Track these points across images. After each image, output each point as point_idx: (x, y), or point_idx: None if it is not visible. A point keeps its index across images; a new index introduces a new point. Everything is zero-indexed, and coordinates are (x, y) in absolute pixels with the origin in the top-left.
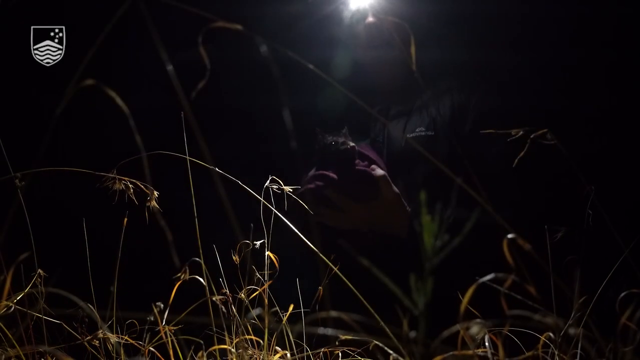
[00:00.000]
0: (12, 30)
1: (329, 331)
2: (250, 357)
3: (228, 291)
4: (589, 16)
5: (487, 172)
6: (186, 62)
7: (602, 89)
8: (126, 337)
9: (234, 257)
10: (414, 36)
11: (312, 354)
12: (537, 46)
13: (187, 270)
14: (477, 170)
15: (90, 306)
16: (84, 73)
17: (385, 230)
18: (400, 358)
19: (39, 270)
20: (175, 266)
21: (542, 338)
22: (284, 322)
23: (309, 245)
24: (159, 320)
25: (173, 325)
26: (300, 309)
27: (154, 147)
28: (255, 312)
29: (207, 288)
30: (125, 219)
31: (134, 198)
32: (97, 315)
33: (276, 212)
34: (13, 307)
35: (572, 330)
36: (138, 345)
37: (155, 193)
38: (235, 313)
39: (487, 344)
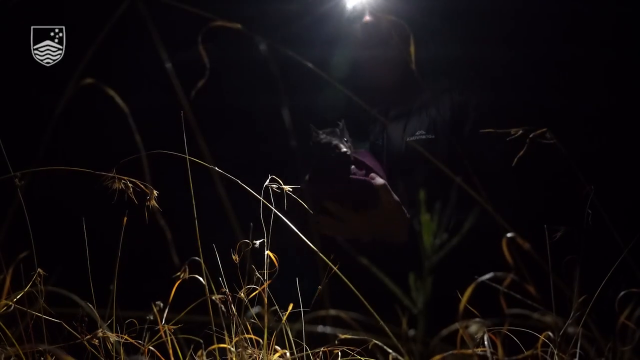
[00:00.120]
0: (12, 30)
1: (328, 329)
2: (250, 356)
3: (227, 290)
4: (585, 13)
5: (487, 173)
6: (186, 61)
7: (601, 87)
8: (126, 337)
9: (233, 257)
10: (411, 34)
11: (311, 353)
12: (536, 43)
13: (187, 270)
14: (477, 172)
15: (90, 305)
16: (84, 72)
17: (385, 237)
18: (399, 357)
19: (39, 270)
20: (175, 265)
21: (542, 337)
22: (283, 321)
23: (308, 244)
24: (159, 320)
25: (173, 325)
26: (300, 308)
27: (153, 147)
28: (254, 310)
29: (206, 287)
30: (125, 218)
31: (133, 197)
32: (97, 315)
33: (276, 211)
34: (13, 306)
35: (571, 329)
36: (138, 345)
37: (155, 192)
38: (235, 312)
39: (486, 343)
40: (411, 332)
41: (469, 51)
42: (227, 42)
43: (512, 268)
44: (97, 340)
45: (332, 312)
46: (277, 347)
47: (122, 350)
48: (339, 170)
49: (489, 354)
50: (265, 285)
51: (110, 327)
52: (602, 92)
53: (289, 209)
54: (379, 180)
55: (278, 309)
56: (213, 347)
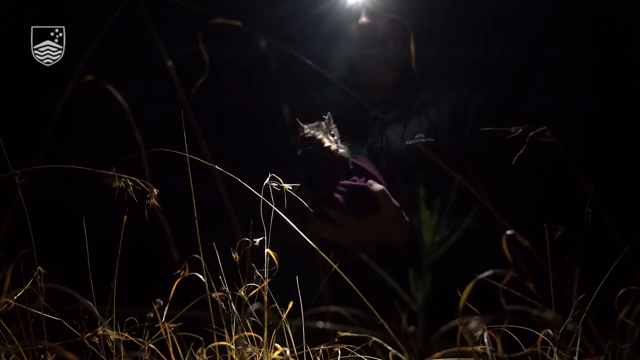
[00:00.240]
0: (12, 30)
1: (328, 325)
2: (250, 354)
3: (227, 289)
4: (585, 13)
5: (487, 175)
6: (185, 59)
7: (601, 86)
8: (126, 334)
9: (233, 255)
10: (411, 33)
11: (311, 351)
12: (535, 43)
13: (187, 267)
14: (477, 174)
15: (90, 303)
16: (84, 70)
17: (384, 241)
18: (399, 354)
19: (39, 268)
20: (175, 263)
21: (541, 335)
22: (283, 318)
23: (308, 242)
24: (159, 317)
25: (173, 322)
26: (300, 306)
27: (153, 145)
28: (254, 306)
29: (206, 285)
30: (125, 217)
31: (133, 196)
32: (97, 312)
33: (276, 209)
34: (13, 304)
35: (570, 327)
36: (138, 342)
37: (155, 190)
38: (235, 310)
39: (485, 340)
40: (411, 329)
41: (467, 51)
42: (225, 40)
43: (511, 266)
44: (97, 338)
45: (332, 308)
46: (277, 345)
47: (122, 348)
48: (325, 165)
49: (488, 352)
50: (265, 283)
51: (110, 325)
52: (601, 91)
53: (288, 207)
54: (378, 186)
55: (278, 307)
56: (213, 344)
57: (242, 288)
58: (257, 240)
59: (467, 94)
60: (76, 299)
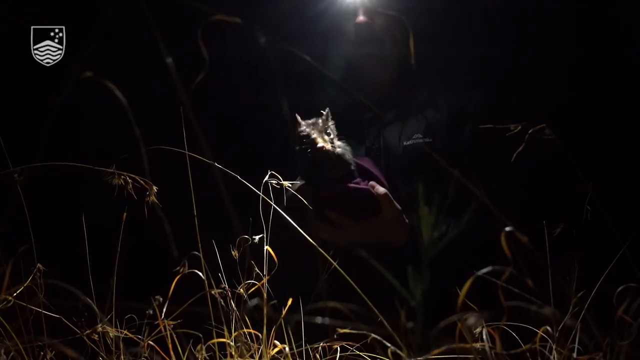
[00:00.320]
0: (12, 30)
1: (327, 320)
2: (249, 351)
3: (227, 286)
4: (584, 12)
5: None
6: (185, 56)
7: (600, 84)
8: (125, 331)
9: (232, 252)
10: (406, 32)
11: (310, 348)
12: (533, 42)
13: (186, 264)
14: (476, 173)
15: (90, 300)
16: (84, 67)
17: (383, 243)
18: (398, 351)
19: (38, 265)
20: (174, 260)
21: (540, 332)
22: (282, 315)
23: (307, 240)
24: (158, 314)
25: (172, 319)
26: (299, 303)
27: (153, 143)
28: (253, 301)
29: (205, 282)
30: (125, 214)
31: (132, 193)
32: (96, 308)
33: (275, 207)
34: (12, 301)
35: (569, 323)
36: (137, 339)
37: (155, 188)
38: (234, 307)
39: (484, 337)
40: (409, 324)
41: (464, 51)
42: (223, 39)
43: (510, 263)
44: (96, 335)
45: (331, 304)
46: (277, 342)
47: (121, 345)
48: (320, 165)
49: (487, 349)
50: (265, 280)
51: (109, 322)
52: (601, 89)
53: (288, 204)
54: (380, 189)
55: (276, 304)
56: (212, 341)
57: (242, 285)
58: (257, 237)
59: (464, 93)
60: (76, 296)
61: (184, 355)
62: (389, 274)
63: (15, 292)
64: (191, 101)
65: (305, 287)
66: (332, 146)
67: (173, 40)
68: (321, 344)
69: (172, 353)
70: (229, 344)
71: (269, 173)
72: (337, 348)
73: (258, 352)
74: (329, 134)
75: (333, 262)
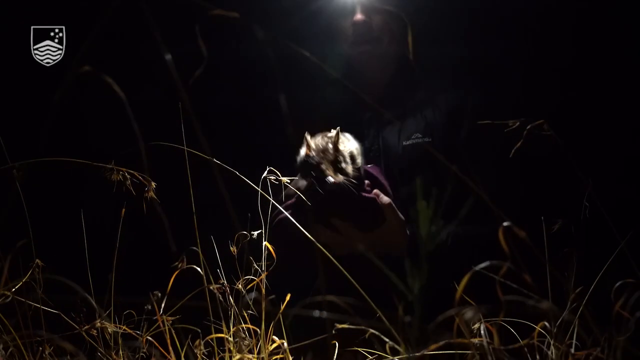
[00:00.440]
0: (12, 30)
1: (325, 314)
2: (247, 346)
3: (225, 282)
4: (584, 12)
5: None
6: (184, 55)
7: (600, 82)
8: (124, 327)
9: (231, 248)
10: (404, 30)
11: (308, 343)
12: (531, 42)
13: (185, 259)
14: (475, 172)
15: (88, 296)
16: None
17: (383, 252)
18: (396, 346)
19: (37, 260)
20: (173, 256)
21: (537, 328)
22: (281, 310)
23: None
24: (156, 309)
25: (171, 315)
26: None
27: (153, 140)
28: (251, 295)
29: (204, 277)
30: (123, 209)
31: (131, 189)
32: (95, 304)
33: (274, 203)
34: (11, 297)
35: (567, 317)
36: (136, 335)
37: (153, 184)
38: (233, 302)
39: (482, 332)
40: (407, 318)
41: (463, 49)
42: (222, 37)
43: (509, 258)
44: (95, 331)
45: (330, 298)
46: (275, 338)
47: (120, 341)
48: (328, 197)
49: (485, 344)
50: (263, 276)
51: (108, 317)
52: (599, 87)
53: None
54: (385, 199)
55: (275, 299)
56: (211, 336)
57: (240, 281)
58: (255, 233)
59: (463, 92)
60: (74, 291)
61: (182, 351)
62: (388, 269)
63: (14, 287)
64: (190, 98)
65: (304, 284)
66: (345, 179)
67: (173, 38)
68: (319, 338)
69: (170, 348)
70: (227, 339)
71: (268, 169)
72: (335, 343)
73: (257, 348)
74: (339, 162)
75: (332, 258)
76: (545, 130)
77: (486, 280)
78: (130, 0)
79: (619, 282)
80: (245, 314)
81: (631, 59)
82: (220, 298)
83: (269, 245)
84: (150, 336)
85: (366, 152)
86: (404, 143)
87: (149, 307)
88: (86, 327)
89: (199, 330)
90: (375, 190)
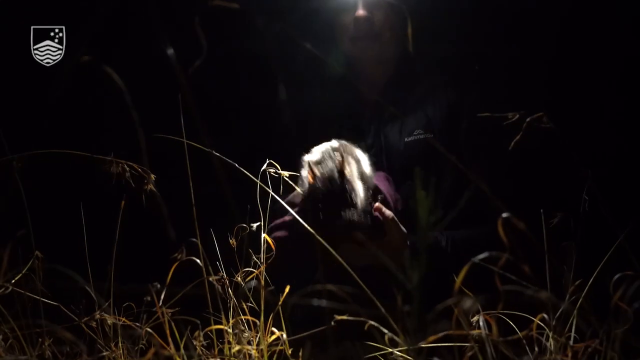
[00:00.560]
0: (12, 30)
1: (324, 303)
2: (247, 338)
3: (225, 274)
4: (584, 12)
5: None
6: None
7: (600, 80)
8: (123, 319)
9: (230, 241)
10: (405, 26)
11: (307, 335)
12: (531, 40)
13: (184, 251)
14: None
15: (88, 287)
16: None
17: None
18: (394, 337)
19: (36, 252)
20: (173, 246)
21: (536, 320)
22: (280, 302)
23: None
24: (156, 301)
25: (170, 307)
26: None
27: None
28: (250, 283)
29: (203, 269)
30: (123, 202)
31: (131, 181)
32: (94, 295)
33: (274, 195)
34: (10, 288)
35: (566, 310)
36: (135, 327)
37: (153, 176)
38: (232, 294)
39: (481, 324)
40: (406, 307)
41: (464, 46)
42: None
43: (507, 249)
44: (94, 323)
45: (329, 287)
46: (274, 329)
47: (119, 333)
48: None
49: (484, 335)
50: (262, 268)
51: (107, 309)
52: (599, 80)
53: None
54: (387, 213)
55: (274, 291)
56: (210, 328)
57: (239, 273)
58: (255, 225)
59: (463, 88)
60: (74, 282)
61: (181, 342)
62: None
63: (13, 278)
64: (191, 91)
65: (304, 276)
66: (357, 214)
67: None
68: (317, 330)
69: (170, 340)
70: (226, 330)
71: (267, 162)
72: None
73: (256, 339)
74: (349, 194)
75: (332, 251)
76: (544, 123)
77: (485, 273)
78: None
79: (617, 274)
80: (245, 306)
81: (631, 52)
82: (220, 290)
83: (267, 238)
84: (149, 327)
85: (368, 148)
86: (406, 139)
87: (148, 298)
88: (85, 319)
89: (199, 322)
90: (378, 204)
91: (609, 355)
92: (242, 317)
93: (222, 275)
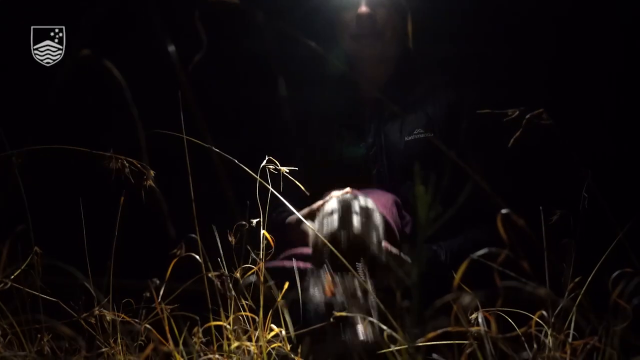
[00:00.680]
0: (12, 30)
1: (325, 298)
2: (246, 334)
3: (225, 270)
4: (585, 12)
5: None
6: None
7: (599, 79)
8: (122, 315)
9: (230, 238)
10: (406, 26)
11: (306, 331)
12: (531, 39)
13: (183, 247)
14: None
15: (87, 283)
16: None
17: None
18: (394, 333)
19: (36, 248)
20: (172, 243)
21: (535, 317)
22: (279, 299)
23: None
24: (155, 297)
25: (169, 303)
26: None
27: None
28: (250, 278)
29: (203, 265)
30: (122, 198)
31: (130, 177)
32: (93, 291)
33: (274, 191)
34: (9, 284)
35: (565, 307)
36: (134, 323)
37: (152, 172)
38: (232, 290)
39: (480, 321)
40: (405, 303)
41: (464, 46)
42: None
43: (507, 245)
44: (94, 319)
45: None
46: (273, 326)
47: (119, 329)
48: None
49: (483, 332)
50: (261, 264)
51: (107, 304)
52: (599, 78)
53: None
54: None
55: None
56: (209, 324)
57: (239, 269)
58: (254, 221)
59: (464, 88)
60: (73, 278)
61: (180, 338)
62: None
63: (12, 274)
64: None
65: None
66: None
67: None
68: (317, 326)
69: (169, 336)
70: (225, 327)
71: (267, 158)
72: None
73: (255, 335)
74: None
75: (334, 250)
76: (544, 120)
77: (484, 269)
78: None
79: (616, 271)
80: (244, 303)
81: (631, 52)
82: (219, 286)
83: (267, 235)
84: (148, 323)
85: (368, 148)
86: (406, 138)
87: (148, 294)
88: (84, 314)
89: (198, 318)
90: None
91: (608, 353)
92: (242, 313)
93: (222, 272)
